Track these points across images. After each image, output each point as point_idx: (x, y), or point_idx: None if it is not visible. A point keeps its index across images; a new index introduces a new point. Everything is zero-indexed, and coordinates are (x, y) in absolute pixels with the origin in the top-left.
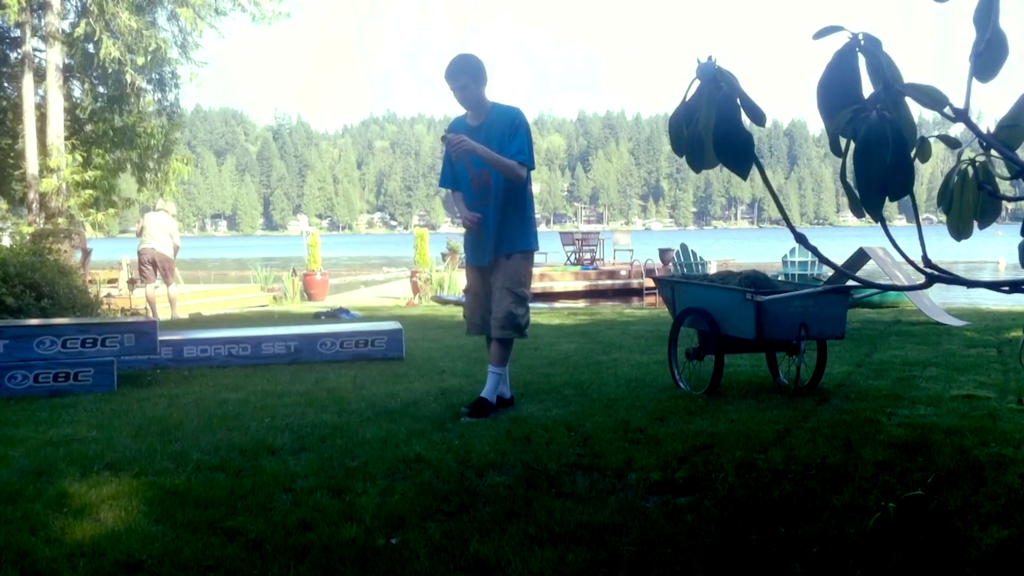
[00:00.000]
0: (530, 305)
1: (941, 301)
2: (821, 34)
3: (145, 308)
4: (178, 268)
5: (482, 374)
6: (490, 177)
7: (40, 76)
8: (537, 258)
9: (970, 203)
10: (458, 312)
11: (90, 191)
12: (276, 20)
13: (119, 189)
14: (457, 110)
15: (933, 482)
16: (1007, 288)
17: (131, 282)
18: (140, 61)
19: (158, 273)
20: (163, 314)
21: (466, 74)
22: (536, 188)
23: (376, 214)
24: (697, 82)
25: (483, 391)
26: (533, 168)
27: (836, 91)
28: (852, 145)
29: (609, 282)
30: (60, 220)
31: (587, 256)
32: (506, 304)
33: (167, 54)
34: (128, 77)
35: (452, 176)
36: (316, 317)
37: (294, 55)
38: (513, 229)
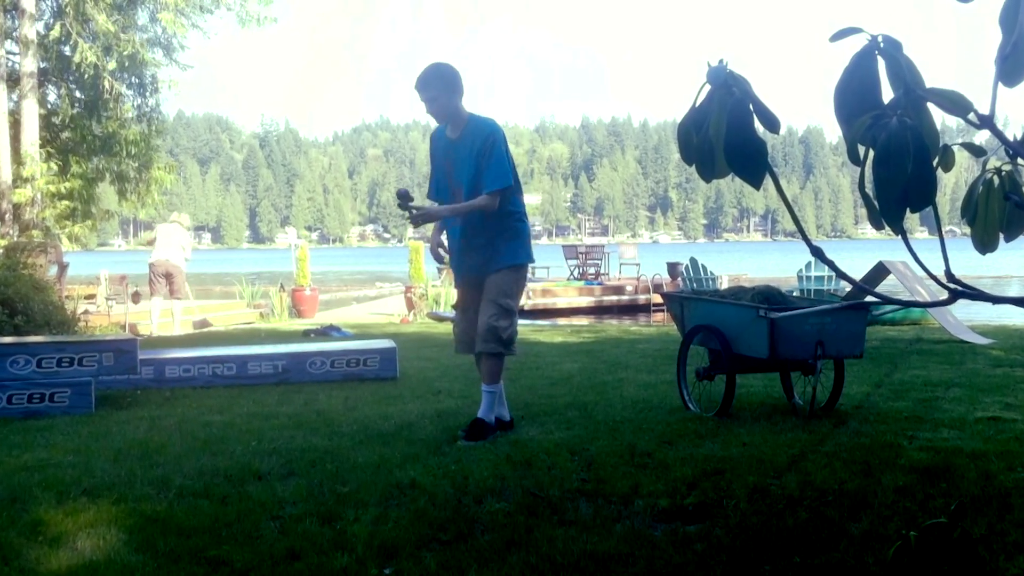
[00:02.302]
0: (530, 321)
1: (965, 318)
2: (838, 36)
3: (125, 325)
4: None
5: (480, 394)
6: (471, 194)
7: (14, 81)
8: (539, 273)
9: (996, 214)
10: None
11: (67, 202)
12: (263, 24)
13: (98, 200)
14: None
15: (956, 509)
16: None
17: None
18: (112, 66)
19: (167, 287)
20: (164, 329)
21: (435, 86)
22: (537, 199)
23: (369, 226)
24: (707, 87)
25: (479, 412)
26: (510, 184)
27: (854, 96)
28: (871, 153)
29: (615, 298)
30: (35, 232)
31: (591, 271)
32: (487, 316)
33: (145, 58)
34: (105, 82)
35: (441, 187)
36: (305, 335)
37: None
38: (501, 244)
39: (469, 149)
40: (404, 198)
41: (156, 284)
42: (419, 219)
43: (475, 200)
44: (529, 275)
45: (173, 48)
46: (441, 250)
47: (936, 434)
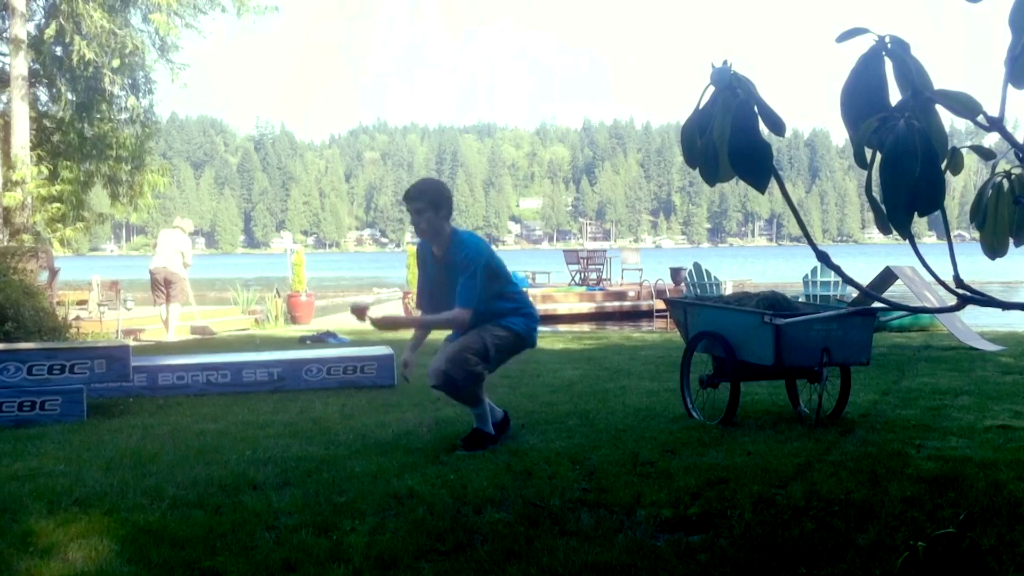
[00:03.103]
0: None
1: (974, 324)
2: (845, 37)
3: (117, 332)
4: (148, 288)
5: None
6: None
7: (3, 82)
8: (540, 278)
9: (1005, 218)
10: None
11: (57, 205)
12: (262, 14)
13: (89, 203)
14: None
15: (965, 519)
16: None
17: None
18: (116, 63)
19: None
20: (155, 335)
21: (423, 199)
22: (538, 203)
23: (366, 231)
24: (711, 89)
25: (474, 423)
26: (474, 307)
27: (861, 98)
28: (878, 156)
29: (617, 304)
30: (25, 237)
31: (593, 276)
32: (466, 342)
33: (145, 55)
34: (106, 80)
35: (432, 300)
36: (301, 341)
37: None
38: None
39: (453, 265)
40: (359, 312)
41: (160, 292)
42: (387, 328)
43: (446, 313)
44: (530, 280)
45: (168, 47)
46: (406, 371)
47: (944, 443)
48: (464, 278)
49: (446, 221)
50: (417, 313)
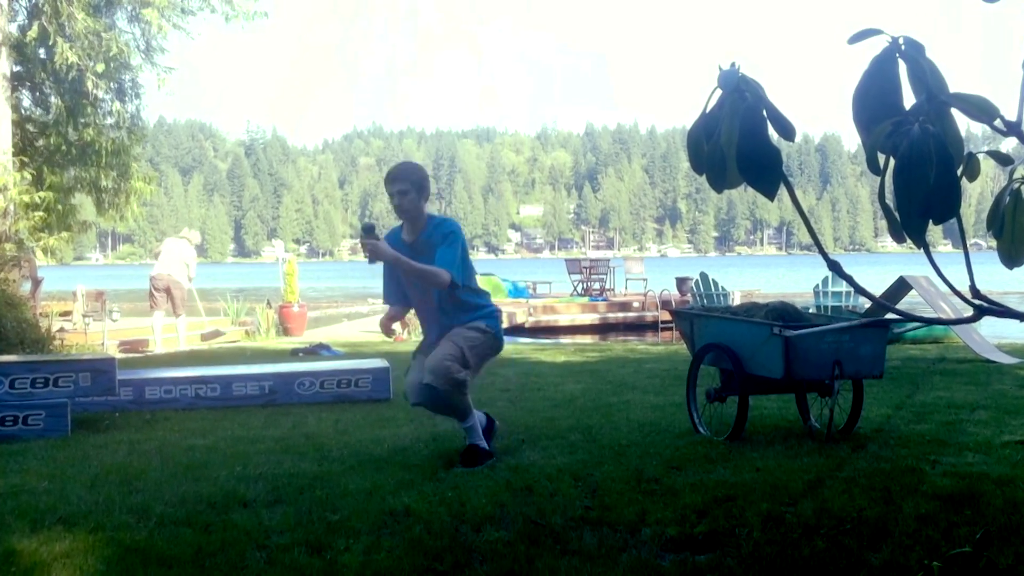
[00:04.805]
0: (532, 340)
1: (991, 336)
2: (857, 38)
3: (102, 344)
4: (134, 299)
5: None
6: (425, 291)
7: None
8: (541, 288)
9: None
10: None
11: (41, 213)
12: (251, 20)
13: (75, 211)
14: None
15: (982, 538)
16: None
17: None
18: (101, 68)
19: (168, 302)
20: (167, 345)
21: (409, 180)
22: (539, 210)
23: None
24: (719, 92)
25: (468, 439)
26: (461, 284)
27: (874, 102)
28: (892, 162)
29: (621, 315)
30: (7, 246)
31: (596, 286)
32: (444, 352)
33: (130, 59)
34: (89, 84)
35: (398, 291)
36: (293, 354)
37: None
38: (457, 323)
39: (428, 245)
40: (369, 232)
41: (156, 298)
42: (375, 255)
43: (430, 267)
44: (531, 291)
45: (153, 50)
46: (396, 325)
47: (960, 459)
48: (443, 247)
49: (425, 204)
50: (388, 315)
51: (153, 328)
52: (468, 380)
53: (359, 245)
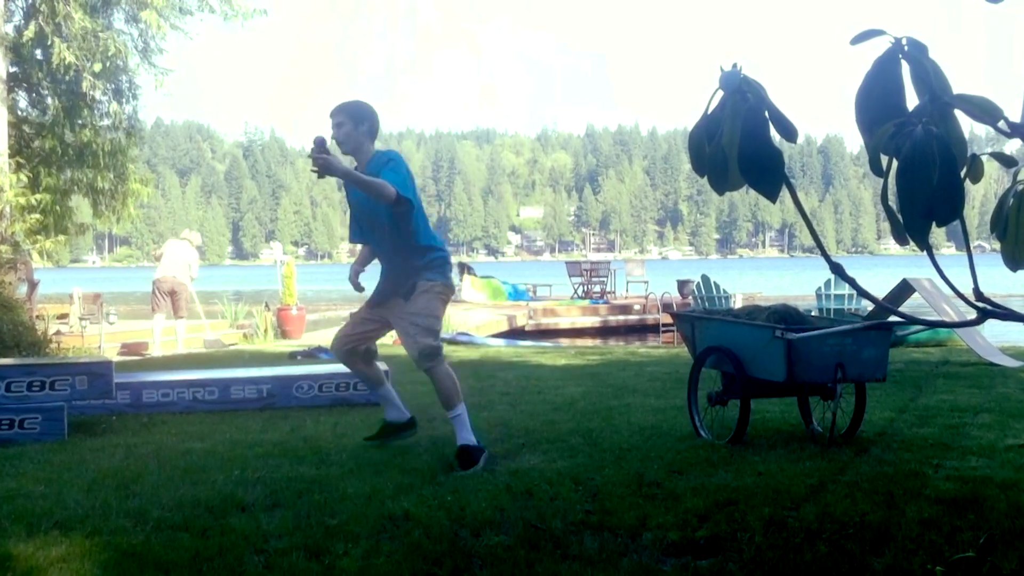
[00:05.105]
0: (532, 343)
1: (995, 339)
2: (859, 39)
3: (99, 347)
4: (132, 301)
5: (478, 421)
6: (377, 218)
7: None
8: (541, 291)
9: None
10: (453, 352)
11: (38, 215)
12: (250, 18)
13: (71, 213)
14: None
15: (986, 542)
16: None
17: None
18: (98, 67)
19: (171, 304)
20: (165, 348)
21: (344, 112)
22: (539, 212)
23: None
24: (720, 93)
25: (458, 439)
26: (409, 201)
27: (877, 103)
28: (895, 163)
29: (621, 318)
30: (3, 248)
31: (597, 289)
32: (413, 338)
33: (128, 58)
34: (86, 85)
35: (362, 228)
36: (292, 357)
37: (266, 62)
38: (424, 272)
39: (369, 173)
40: (321, 146)
41: (160, 301)
42: (323, 169)
43: (378, 180)
44: (531, 293)
45: (151, 51)
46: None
47: (964, 463)
48: (386, 171)
49: (368, 139)
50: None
51: (153, 331)
52: (436, 331)
53: (311, 163)
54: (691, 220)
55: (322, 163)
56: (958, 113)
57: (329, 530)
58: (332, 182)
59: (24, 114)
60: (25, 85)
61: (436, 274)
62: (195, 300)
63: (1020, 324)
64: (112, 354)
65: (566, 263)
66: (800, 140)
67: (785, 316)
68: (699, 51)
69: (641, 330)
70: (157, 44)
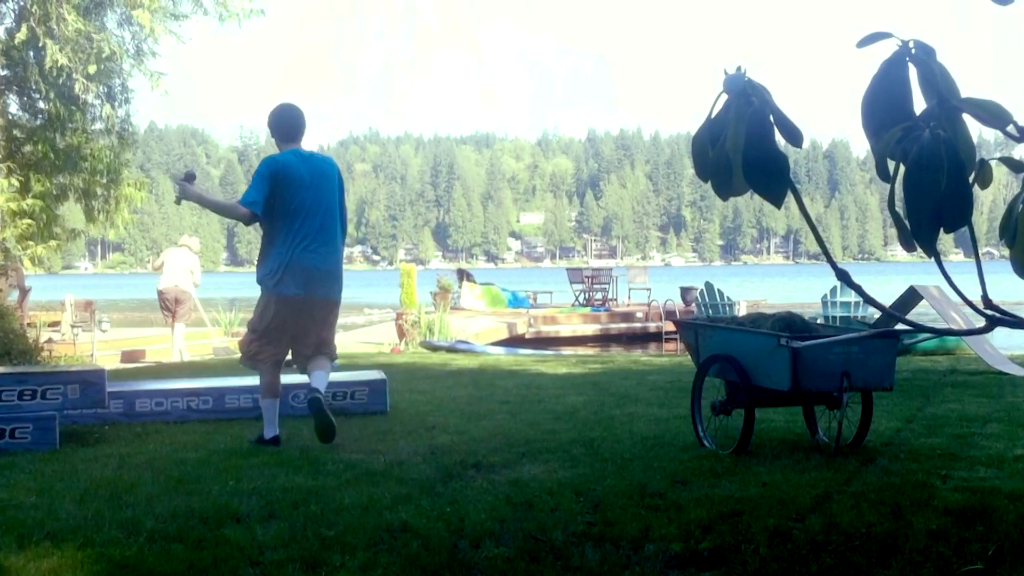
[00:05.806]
0: (533, 351)
1: (1004, 347)
2: (866, 42)
3: (91, 355)
4: (125, 309)
5: (477, 430)
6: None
7: None
8: (541, 299)
9: None
10: (452, 360)
11: (28, 221)
12: (247, 18)
13: (63, 219)
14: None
15: (994, 554)
16: None
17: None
18: (92, 69)
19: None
20: (163, 356)
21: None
22: (540, 218)
23: (356, 247)
24: (724, 96)
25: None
26: (253, 207)
27: (883, 107)
28: (902, 168)
29: (623, 325)
30: None
31: (598, 296)
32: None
33: (122, 60)
34: (78, 87)
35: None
36: (288, 366)
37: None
38: None
39: None
40: (187, 177)
41: (169, 311)
42: (182, 194)
43: (230, 202)
44: (531, 301)
45: (144, 54)
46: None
47: (972, 473)
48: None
49: (282, 143)
50: None
51: (173, 341)
52: (257, 346)
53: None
54: (694, 226)
55: (179, 190)
56: (966, 117)
57: (325, 542)
58: None
59: (15, 118)
60: (16, 88)
61: (259, 270)
62: (199, 307)
63: None
64: (110, 362)
65: (567, 270)
66: (805, 144)
67: (790, 324)
68: (703, 53)
69: (643, 338)
70: (150, 47)
